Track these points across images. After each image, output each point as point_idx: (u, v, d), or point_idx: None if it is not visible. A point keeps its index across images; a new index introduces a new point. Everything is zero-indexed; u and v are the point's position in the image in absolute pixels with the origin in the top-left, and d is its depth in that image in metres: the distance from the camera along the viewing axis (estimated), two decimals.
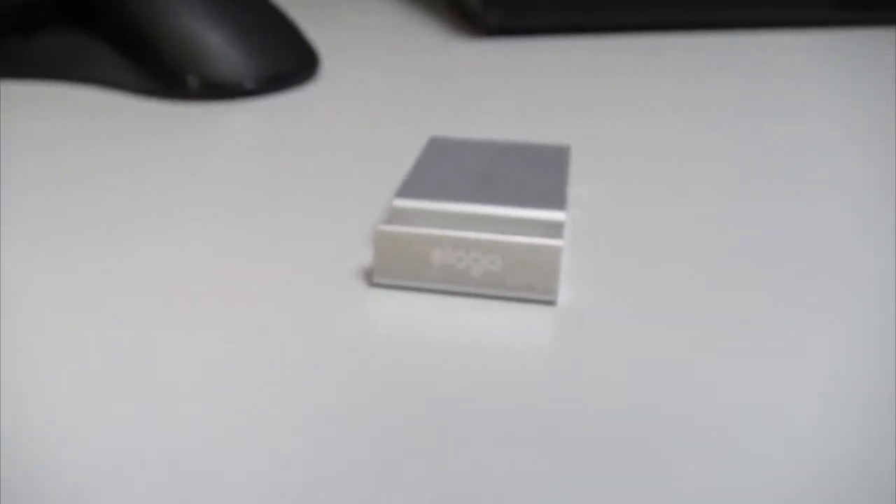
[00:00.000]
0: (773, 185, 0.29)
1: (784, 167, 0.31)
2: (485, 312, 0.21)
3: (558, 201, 0.23)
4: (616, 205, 0.28)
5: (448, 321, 0.21)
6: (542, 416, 0.17)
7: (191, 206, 0.27)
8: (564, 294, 0.22)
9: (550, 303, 0.22)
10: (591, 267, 0.24)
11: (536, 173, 0.26)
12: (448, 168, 0.26)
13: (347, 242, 0.25)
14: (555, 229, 0.23)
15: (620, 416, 0.17)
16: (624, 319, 0.21)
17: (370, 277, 0.22)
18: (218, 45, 0.41)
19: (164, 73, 0.41)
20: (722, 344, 0.20)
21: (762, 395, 0.17)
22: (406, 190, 0.24)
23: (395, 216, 0.23)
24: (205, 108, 0.39)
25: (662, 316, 0.21)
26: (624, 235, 0.26)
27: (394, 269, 0.22)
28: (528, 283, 0.21)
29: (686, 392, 0.18)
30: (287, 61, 0.43)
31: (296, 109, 0.39)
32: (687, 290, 0.22)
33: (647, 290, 0.22)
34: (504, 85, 0.43)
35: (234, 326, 0.20)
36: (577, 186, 0.29)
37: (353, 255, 0.24)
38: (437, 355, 0.19)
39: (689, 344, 0.20)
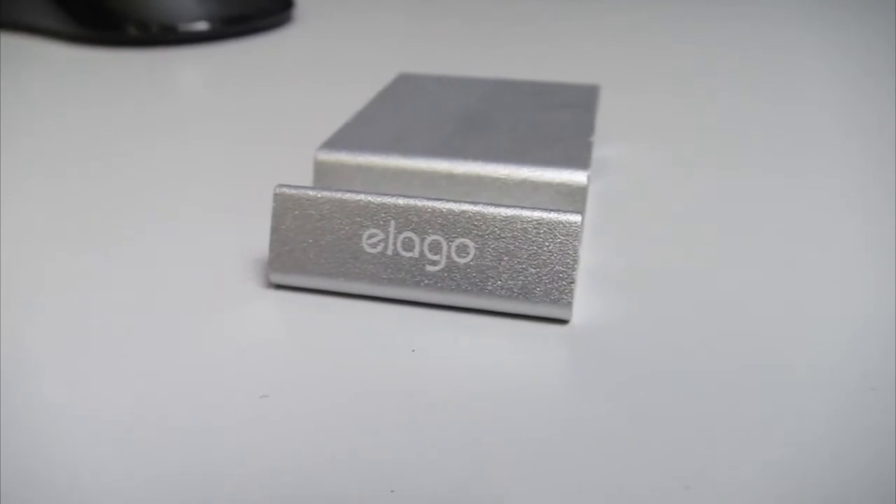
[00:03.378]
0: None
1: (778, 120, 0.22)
2: (445, 339, 0.12)
3: (579, 158, 0.15)
4: (642, 167, 0.19)
5: (391, 359, 0.12)
6: None
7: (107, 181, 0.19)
8: (582, 306, 0.13)
9: (560, 321, 0.13)
10: (620, 258, 0.15)
11: (547, 119, 0.17)
12: (413, 110, 0.17)
13: (253, 222, 0.16)
14: (571, 198, 0.14)
15: None
16: (669, 352, 0.12)
17: (268, 275, 0.14)
18: None
19: (96, 14, 0.33)
20: None
21: None
22: (339, 139, 0.15)
23: (318, 175, 0.15)
24: (147, 56, 0.31)
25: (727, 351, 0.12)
26: (658, 209, 0.17)
27: (301, 260, 0.13)
28: (524, 287, 0.12)
29: None
30: (251, 2, 0.35)
31: (256, 56, 0.31)
32: (749, 301, 0.13)
33: (695, 299, 0.13)
34: (495, 31, 0.34)
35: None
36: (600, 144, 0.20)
37: (256, 240, 0.15)
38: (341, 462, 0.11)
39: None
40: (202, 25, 0.33)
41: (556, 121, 0.17)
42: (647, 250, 0.15)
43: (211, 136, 0.22)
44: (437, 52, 0.31)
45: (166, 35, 0.33)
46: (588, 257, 0.15)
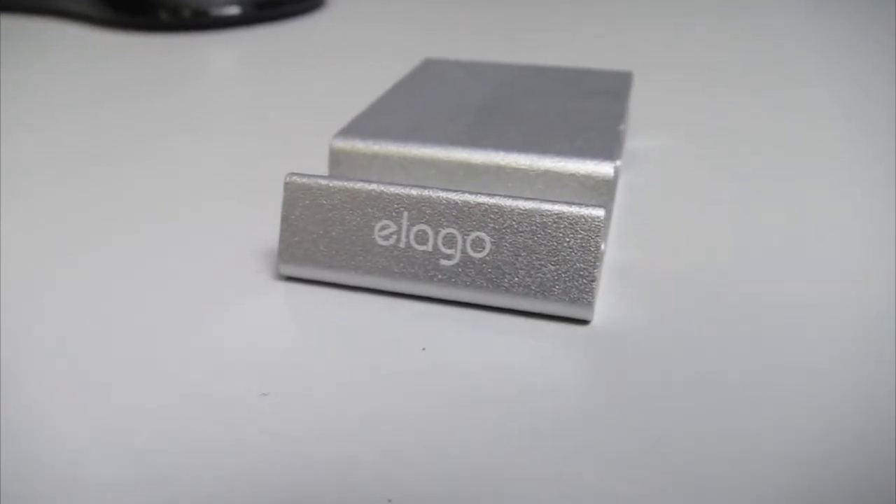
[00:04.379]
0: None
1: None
2: (458, 337, 0.12)
3: (606, 148, 0.14)
4: (676, 159, 0.18)
5: (401, 357, 0.11)
6: None
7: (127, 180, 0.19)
8: (604, 306, 0.12)
9: (581, 321, 0.12)
10: (648, 255, 0.14)
11: (575, 107, 0.16)
12: (435, 97, 0.16)
13: (270, 211, 0.16)
14: (596, 191, 0.13)
15: None
16: (696, 356, 0.11)
17: (277, 266, 0.13)
18: None
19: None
20: None
21: None
22: (355, 126, 0.15)
23: (334, 164, 0.14)
24: (178, 41, 0.31)
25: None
26: (691, 204, 0.16)
27: (311, 252, 0.13)
28: (542, 285, 0.12)
29: None
30: None
31: (286, 41, 0.30)
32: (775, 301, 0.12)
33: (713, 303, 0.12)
34: (527, 15, 0.33)
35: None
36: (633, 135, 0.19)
37: (271, 230, 0.15)
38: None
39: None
40: (233, 10, 0.32)
41: (584, 109, 0.16)
42: (678, 247, 0.14)
43: (236, 123, 0.21)
44: (467, 37, 0.30)
45: (198, 20, 0.32)
46: (614, 254, 0.14)
